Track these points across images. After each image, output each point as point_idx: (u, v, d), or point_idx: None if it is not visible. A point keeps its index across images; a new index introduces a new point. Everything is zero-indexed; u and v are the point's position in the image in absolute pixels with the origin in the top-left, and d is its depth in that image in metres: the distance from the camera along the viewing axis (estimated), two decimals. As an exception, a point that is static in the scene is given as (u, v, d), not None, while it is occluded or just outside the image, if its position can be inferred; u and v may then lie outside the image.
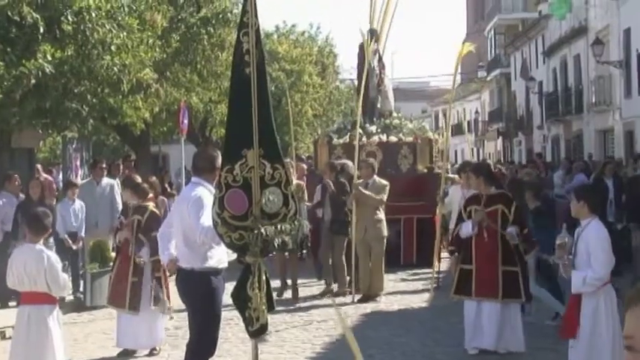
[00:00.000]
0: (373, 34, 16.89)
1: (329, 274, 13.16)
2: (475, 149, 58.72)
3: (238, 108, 5.98)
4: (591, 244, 6.92)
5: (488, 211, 8.84)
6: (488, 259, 8.78)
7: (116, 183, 14.07)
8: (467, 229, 8.94)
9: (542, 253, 10.01)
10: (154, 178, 12.46)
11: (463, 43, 14.26)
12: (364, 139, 15.52)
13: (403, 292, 13.28)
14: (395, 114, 17.70)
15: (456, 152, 65.05)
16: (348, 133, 16.55)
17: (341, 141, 16.52)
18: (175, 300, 9.54)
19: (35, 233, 7.28)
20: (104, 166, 14.39)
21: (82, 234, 12.78)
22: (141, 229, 9.20)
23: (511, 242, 8.74)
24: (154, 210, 9.50)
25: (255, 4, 5.87)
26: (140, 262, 9.11)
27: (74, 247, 12.32)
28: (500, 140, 52.35)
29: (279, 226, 5.91)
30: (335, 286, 13.07)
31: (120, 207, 13.57)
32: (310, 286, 13.52)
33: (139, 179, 10.16)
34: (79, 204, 12.81)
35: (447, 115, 15.96)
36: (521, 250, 8.89)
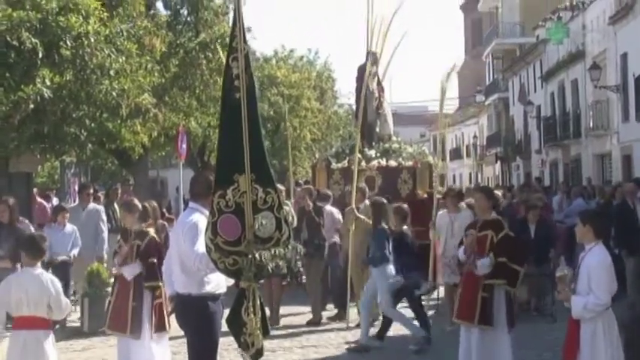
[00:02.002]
0: (372, 57, 16.86)
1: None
2: (473, 173, 58.80)
3: (229, 133, 5.96)
4: (593, 270, 6.85)
5: (479, 236, 8.82)
6: (471, 284, 8.77)
7: (102, 209, 13.96)
8: (461, 253, 8.97)
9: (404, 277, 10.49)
10: (154, 203, 12.35)
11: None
12: (363, 163, 15.44)
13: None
14: (394, 138, 17.64)
15: (454, 177, 65.12)
16: (347, 158, 16.50)
17: (339, 165, 16.44)
18: (174, 325, 9.50)
19: (32, 257, 7.30)
20: (91, 191, 14.28)
21: (74, 253, 12.52)
22: (139, 253, 9.16)
23: (477, 273, 8.67)
24: (154, 236, 9.45)
25: (243, 29, 5.90)
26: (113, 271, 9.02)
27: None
28: (498, 165, 52.39)
29: (272, 251, 5.89)
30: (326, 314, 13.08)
31: (105, 234, 13.49)
32: (307, 313, 13.43)
33: (138, 203, 10.13)
34: (70, 228, 12.62)
35: (443, 139, 15.84)
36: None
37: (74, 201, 18.57)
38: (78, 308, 12.96)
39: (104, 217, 13.62)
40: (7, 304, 7.24)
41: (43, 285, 7.16)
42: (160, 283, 8.73)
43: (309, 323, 12.85)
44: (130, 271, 8.94)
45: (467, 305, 8.73)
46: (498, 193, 14.68)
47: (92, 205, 13.79)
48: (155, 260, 8.79)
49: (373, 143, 16.72)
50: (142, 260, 8.97)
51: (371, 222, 12.43)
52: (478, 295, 8.66)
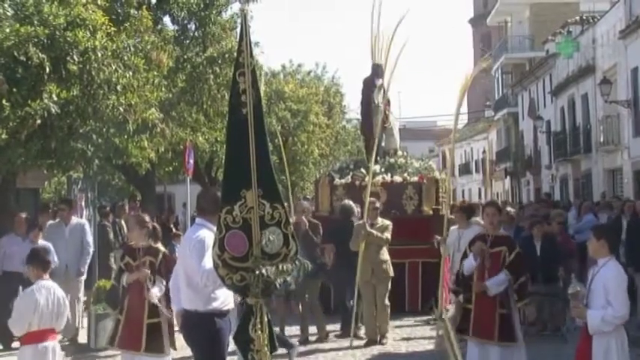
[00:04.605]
0: (378, 70, 16.72)
1: (305, 319, 12.85)
2: (483, 189, 58.65)
3: (236, 148, 5.93)
4: (611, 284, 6.84)
5: (493, 252, 8.78)
6: (486, 301, 8.70)
7: (86, 223, 13.76)
8: (469, 263, 8.87)
9: None
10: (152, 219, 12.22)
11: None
12: (367, 178, 15.26)
13: (409, 338, 13.01)
14: (400, 152, 17.46)
15: (463, 192, 64.97)
16: (351, 173, 16.36)
17: (342, 181, 16.25)
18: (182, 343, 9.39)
19: (42, 269, 7.57)
20: (52, 208, 13.99)
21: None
22: (156, 271, 9.09)
23: (488, 293, 8.62)
24: (165, 251, 9.45)
25: (250, 44, 5.88)
26: (151, 300, 8.93)
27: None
28: (508, 180, 52.24)
29: (280, 267, 5.85)
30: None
31: (91, 249, 13.24)
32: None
33: (148, 220, 10.04)
34: (41, 244, 12.02)
35: (451, 153, 15.54)
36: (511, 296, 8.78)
37: (81, 217, 18.45)
38: (85, 325, 12.91)
39: (89, 231, 13.43)
40: (25, 319, 7.34)
41: (62, 296, 7.50)
42: None
43: (318, 340, 12.71)
44: (157, 293, 8.85)
45: (484, 323, 8.65)
46: (510, 209, 14.57)
47: (75, 220, 13.51)
48: None
49: (378, 158, 16.47)
50: (165, 277, 8.92)
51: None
52: (494, 312, 8.59)
